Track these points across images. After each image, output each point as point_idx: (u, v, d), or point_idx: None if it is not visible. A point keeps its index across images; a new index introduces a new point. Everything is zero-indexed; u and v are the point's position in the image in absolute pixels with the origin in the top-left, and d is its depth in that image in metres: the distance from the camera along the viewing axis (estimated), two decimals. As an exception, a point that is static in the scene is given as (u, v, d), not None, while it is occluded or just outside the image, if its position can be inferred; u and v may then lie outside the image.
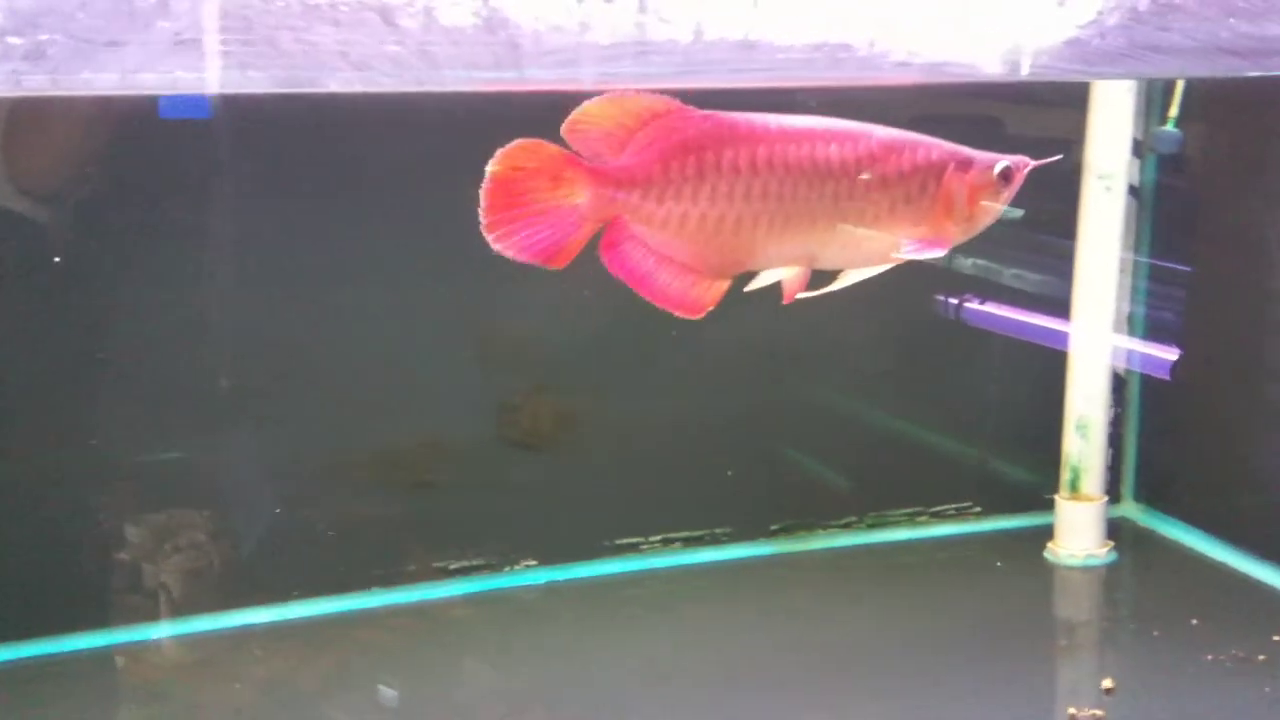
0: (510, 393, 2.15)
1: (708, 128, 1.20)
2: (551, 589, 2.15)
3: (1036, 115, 2.23)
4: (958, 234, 1.26)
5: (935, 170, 1.23)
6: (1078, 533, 2.25)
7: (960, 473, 2.43)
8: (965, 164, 1.23)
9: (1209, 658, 1.88)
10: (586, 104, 1.15)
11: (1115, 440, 2.42)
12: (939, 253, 1.24)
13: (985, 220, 1.26)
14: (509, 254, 1.22)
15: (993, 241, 2.33)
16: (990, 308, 2.36)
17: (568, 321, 2.13)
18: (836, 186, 1.21)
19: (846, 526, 2.34)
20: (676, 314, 1.27)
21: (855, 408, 2.36)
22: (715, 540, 2.27)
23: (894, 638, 2.00)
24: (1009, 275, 2.33)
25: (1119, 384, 2.40)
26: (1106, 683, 1.81)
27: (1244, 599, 2.10)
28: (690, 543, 2.26)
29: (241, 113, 1.77)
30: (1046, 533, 2.30)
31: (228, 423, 2.00)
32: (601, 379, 2.19)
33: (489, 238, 1.20)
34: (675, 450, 2.23)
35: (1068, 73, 1.20)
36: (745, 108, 1.21)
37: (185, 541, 1.96)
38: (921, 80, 1.13)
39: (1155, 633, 2.01)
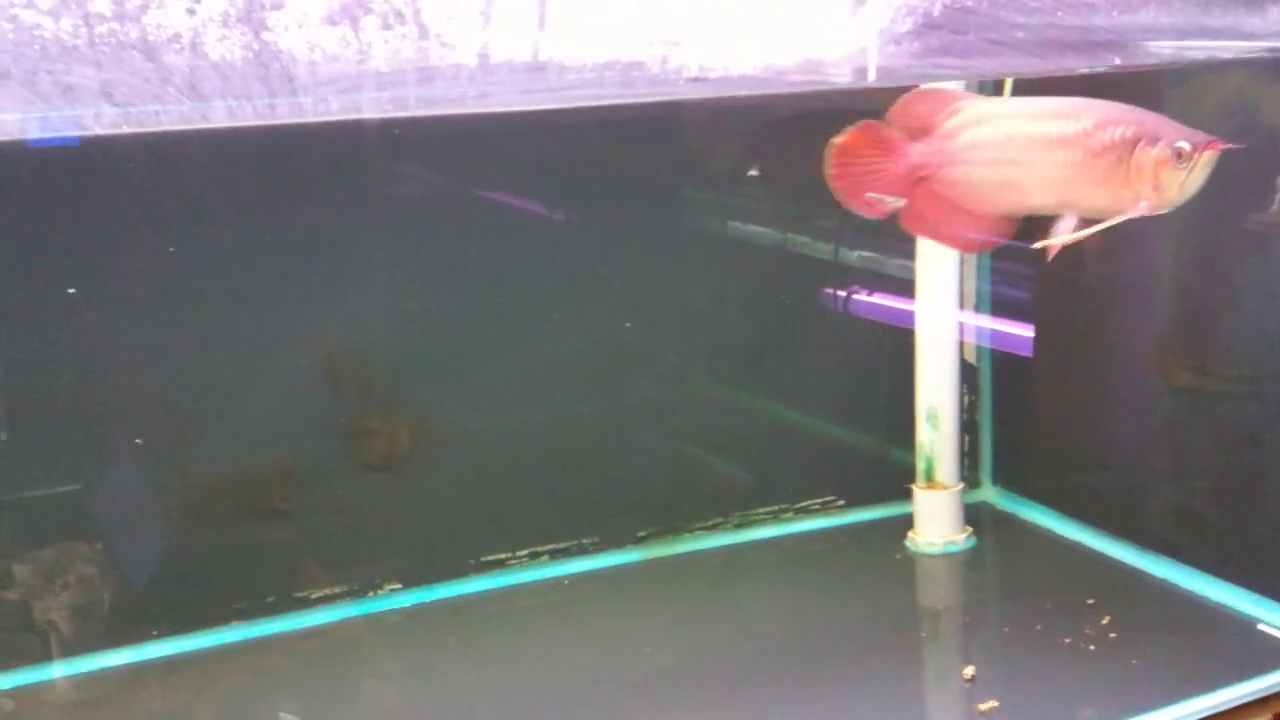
0: (364, 414, 2.12)
1: (976, 110, 1.59)
2: (417, 611, 2.12)
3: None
4: (1159, 203, 1.53)
5: (1129, 145, 1.50)
6: (935, 521, 2.28)
7: (824, 467, 2.45)
8: (1153, 139, 1.49)
9: (1066, 640, 1.91)
10: (904, 97, 1.57)
11: (971, 427, 2.46)
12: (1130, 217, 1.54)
13: (1175, 192, 1.51)
14: (847, 205, 1.61)
15: (878, 233, 2.36)
16: (878, 299, 2.40)
17: (420, 339, 2.11)
18: (1062, 155, 1.53)
19: (713, 528, 2.35)
20: (964, 251, 1.78)
21: (716, 408, 2.37)
22: (583, 551, 2.27)
23: (761, 636, 2.01)
24: (894, 266, 2.36)
25: (970, 371, 2.45)
26: (968, 671, 1.84)
27: (1099, 577, 2.14)
28: (558, 555, 2.25)
29: (104, 140, 1.74)
30: (908, 522, 2.33)
31: (75, 457, 1.95)
32: (457, 395, 2.16)
33: (834, 190, 1.61)
34: (537, 462, 2.21)
35: (865, 80, 1.21)
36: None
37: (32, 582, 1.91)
38: (716, 94, 1.13)
39: (1013, 616, 2.04)
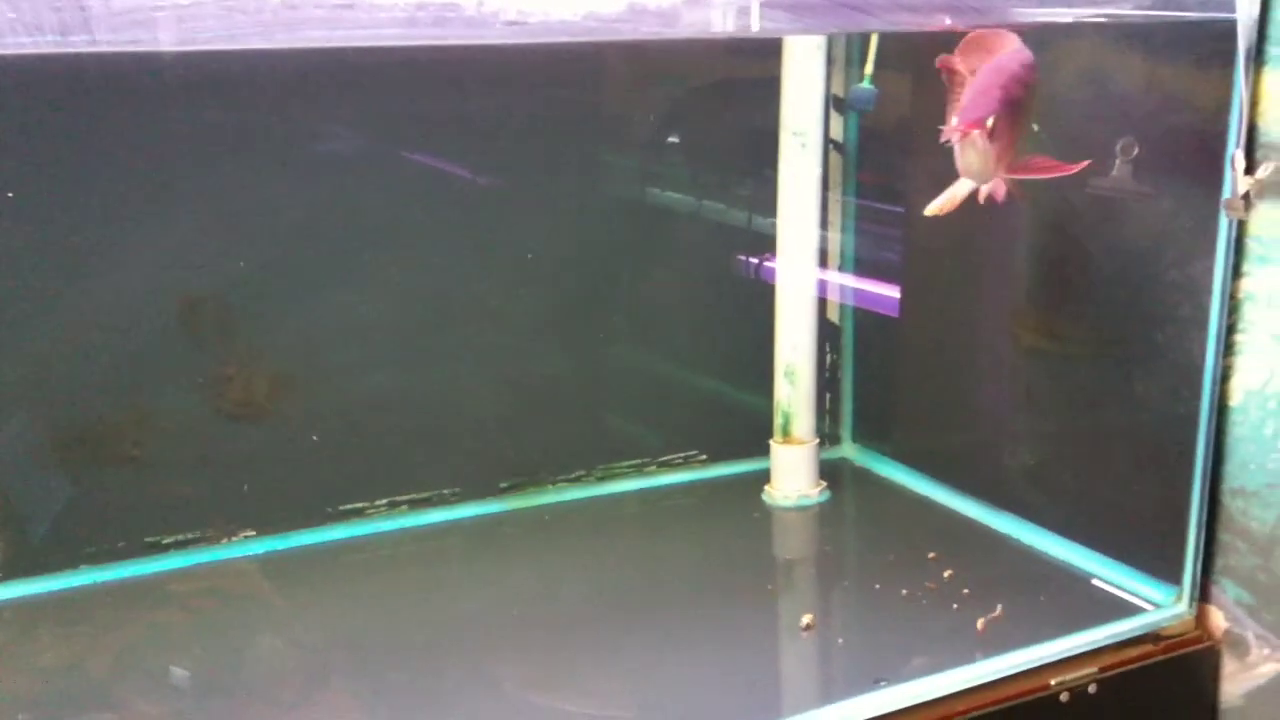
0: (222, 361, 2.10)
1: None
2: (271, 559, 2.11)
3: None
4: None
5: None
6: (791, 475, 2.32)
7: (688, 422, 2.47)
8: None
9: (904, 592, 1.96)
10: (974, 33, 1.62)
11: (833, 385, 2.50)
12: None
13: (961, 166, 1.57)
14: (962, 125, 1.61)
15: (749, 187, 2.38)
16: (747, 256, 2.42)
17: (277, 287, 2.09)
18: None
19: (576, 480, 2.37)
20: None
21: (582, 361, 2.38)
22: (443, 501, 2.27)
23: (610, 586, 2.03)
24: (762, 223, 2.37)
25: (833, 330, 2.48)
26: (805, 619, 1.88)
27: (947, 533, 2.20)
28: (417, 505, 2.25)
29: None
30: (768, 476, 2.37)
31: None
32: (318, 342, 2.15)
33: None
34: (399, 411, 2.21)
35: (688, 32, 1.22)
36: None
37: None
38: (535, 39, 1.13)
39: (856, 568, 2.09)
